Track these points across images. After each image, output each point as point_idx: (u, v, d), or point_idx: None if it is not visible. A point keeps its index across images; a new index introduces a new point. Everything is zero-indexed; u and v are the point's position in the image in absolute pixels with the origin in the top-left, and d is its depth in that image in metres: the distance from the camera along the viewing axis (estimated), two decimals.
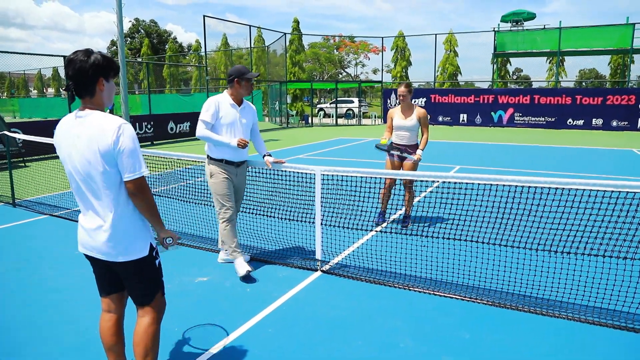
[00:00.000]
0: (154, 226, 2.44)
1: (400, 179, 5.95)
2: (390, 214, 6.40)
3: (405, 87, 5.82)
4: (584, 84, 45.95)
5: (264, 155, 4.59)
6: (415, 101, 26.03)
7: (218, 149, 4.33)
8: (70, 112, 2.44)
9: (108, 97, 2.36)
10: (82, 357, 3.08)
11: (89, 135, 2.24)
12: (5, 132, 7.65)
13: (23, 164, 11.49)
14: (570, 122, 22.59)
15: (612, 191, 3.38)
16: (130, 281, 2.46)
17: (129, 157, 2.24)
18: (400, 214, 6.34)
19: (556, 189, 3.78)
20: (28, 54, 15.94)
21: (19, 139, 10.69)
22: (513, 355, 3.06)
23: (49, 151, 12.26)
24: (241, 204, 4.76)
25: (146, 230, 2.44)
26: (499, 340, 3.24)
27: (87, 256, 2.47)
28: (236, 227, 4.56)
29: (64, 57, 15.22)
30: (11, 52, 16.71)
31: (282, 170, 4.77)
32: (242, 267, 4.28)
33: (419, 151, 5.79)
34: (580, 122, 22.36)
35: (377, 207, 6.00)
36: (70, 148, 2.30)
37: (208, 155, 4.43)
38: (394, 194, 6.13)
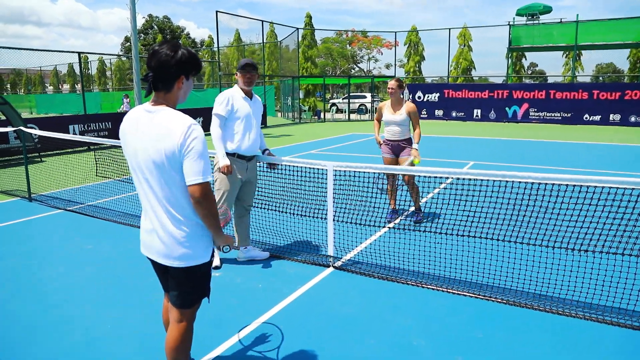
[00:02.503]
0: (213, 234, 2.34)
1: (402, 175, 5.89)
2: (403, 210, 6.35)
3: (395, 82, 5.81)
4: (601, 78, 45.12)
5: (264, 151, 4.67)
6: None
7: (231, 142, 4.29)
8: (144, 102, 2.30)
9: (184, 94, 2.29)
10: (90, 354, 3.09)
11: (156, 133, 2.14)
12: (22, 128, 7.75)
13: (39, 159, 11.64)
14: (586, 118, 22.19)
15: (633, 189, 3.29)
16: (176, 286, 2.37)
17: (195, 160, 2.12)
18: (411, 212, 6.28)
19: (573, 185, 3.70)
20: (44, 50, 16.12)
21: (35, 135, 10.83)
22: (527, 355, 3.01)
23: (64, 146, 12.44)
24: (253, 200, 4.76)
25: (204, 238, 2.34)
26: (512, 340, 3.19)
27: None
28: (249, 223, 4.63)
29: (79, 53, 15.37)
30: (27, 49, 16.89)
31: (294, 166, 4.75)
32: (215, 259, 4.48)
33: (414, 145, 5.73)
34: (597, 117, 21.95)
35: (389, 204, 5.96)
36: (136, 144, 2.21)
37: None
38: (404, 190, 6.09)
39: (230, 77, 30.54)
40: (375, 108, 31.65)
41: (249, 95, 4.37)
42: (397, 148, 5.86)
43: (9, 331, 3.38)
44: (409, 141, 5.87)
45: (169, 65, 2.15)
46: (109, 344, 3.19)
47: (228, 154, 4.29)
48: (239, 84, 4.36)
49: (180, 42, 2.28)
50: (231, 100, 4.24)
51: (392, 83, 5.81)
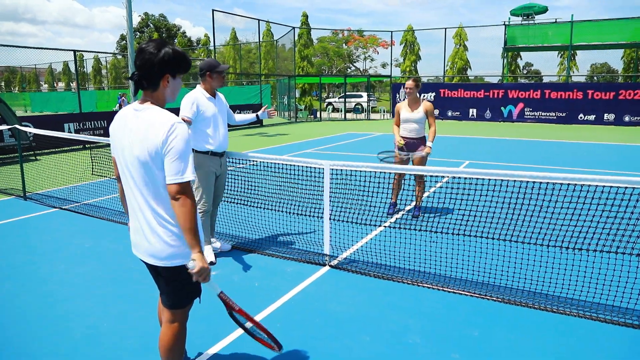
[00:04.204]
0: (188, 241, 2.14)
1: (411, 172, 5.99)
2: (400, 208, 6.37)
3: (412, 82, 6.01)
4: (595, 78, 45.34)
5: (257, 114, 5.00)
6: (424, 96, 25.86)
7: (205, 142, 4.41)
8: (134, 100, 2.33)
9: (171, 93, 2.27)
10: (92, 351, 3.10)
11: (141, 131, 2.14)
12: (17, 126, 7.71)
13: (34, 158, 11.59)
14: (581, 117, 22.30)
15: (626, 187, 3.32)
16: (167, 286, 2.37)
17: (175, 159, 2.09)
18: (409, 209, 6.31)
19: (568, 184, 3.73)
20: (39, 48, 16.04)
21: (30, 133, 10.78)
22: (522, 353, 3.03)
23: (60, 145, 12.39)
24: (223, 193, 4.86)
25: None
26: (508, 338, 3.21)
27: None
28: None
29: (74, 51, 15.30)
30: (22, 47, 16.79)
31: (290, 165, 4.77)
32: (210, 255, 4.61)
33: (428, 143, 5.92)
34: (592, 117, 22.07)
35: (385, 202, 5.98)
36: (123, 142, 2.21)
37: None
38: (405, 187, 6.14)
39: (226, 76, 30.48)
40: (372, 107, 31.79)
41: (212, 95, 4.51)
42: (412, 146, 6.02)
43: (13, 327, 3.38)
44: (423, 140, 6.05)
45: (152, 64, 2.15)
46: (111, 339, 3.20)
47: (202, 152, 4.42)
48: (205, 85, 4.45)
49: (168, 41, 2.28)
50: (198, 102, 4.36)
51: (409, 83, 6.00)
